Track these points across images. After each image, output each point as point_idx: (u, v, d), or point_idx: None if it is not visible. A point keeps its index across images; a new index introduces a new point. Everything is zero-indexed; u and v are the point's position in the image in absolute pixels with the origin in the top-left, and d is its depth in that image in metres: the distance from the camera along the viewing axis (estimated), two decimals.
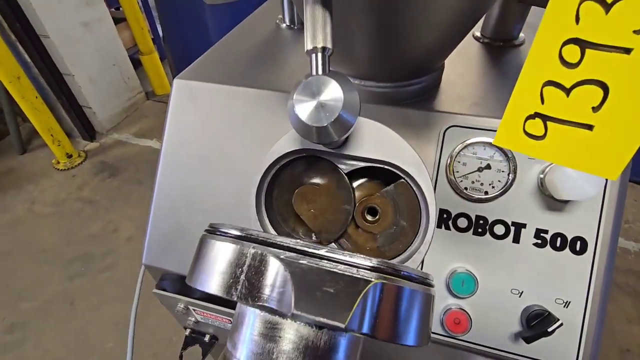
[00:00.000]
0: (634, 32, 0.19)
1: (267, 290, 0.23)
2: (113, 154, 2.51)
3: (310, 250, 0.24)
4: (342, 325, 0.21)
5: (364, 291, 0.22)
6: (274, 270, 0.23)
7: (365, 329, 0.22)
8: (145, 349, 1.50)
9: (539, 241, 0.45)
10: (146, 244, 0.58)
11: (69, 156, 2.43)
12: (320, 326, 0.24)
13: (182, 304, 0.58)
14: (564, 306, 0.44)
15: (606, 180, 0.43)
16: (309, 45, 0.31)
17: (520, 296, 0.46)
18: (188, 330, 0.67)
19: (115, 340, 1.56)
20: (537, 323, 0.43)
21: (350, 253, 0.24)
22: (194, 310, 0.60)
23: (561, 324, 0.41)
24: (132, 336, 0.63)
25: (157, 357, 1.49)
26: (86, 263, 1.86)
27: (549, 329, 0.41)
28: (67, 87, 2.40)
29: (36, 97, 2.17)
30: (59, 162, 2.42)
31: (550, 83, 0.22)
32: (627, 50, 0.20)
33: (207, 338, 0.66)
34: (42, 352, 1.54)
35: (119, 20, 2.67)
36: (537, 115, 0.23)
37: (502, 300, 0.46)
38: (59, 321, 1.64)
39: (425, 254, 0.42)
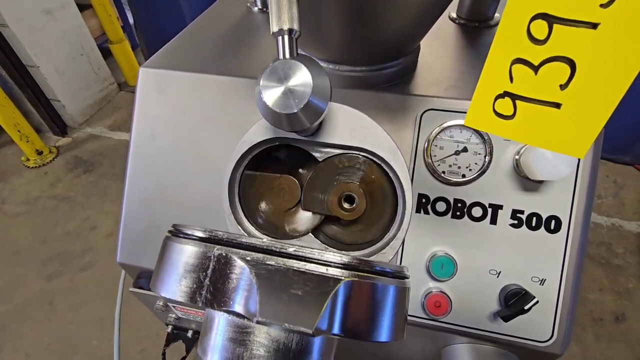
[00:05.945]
0: (601, 5, 0.19)
1: (232, 295, 0.22)
2: (87, 149, 2.41)
3: (277, 249, 0.22)
4: (310, 331, 0.20)
5: (333, 291, 0.21)
6: (239, 273, 0.22)
7: (335, 330, 0.21)
8: (132, 345, 1.48)
9: (515, 222, 0.46)
10: (119, 241, 0.56)
11: (39, 153, 2.32)
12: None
13: (160, 301, 0.57)
14: (540, 284, 0.45)
15: (578, 159, 0.43)
16: (274, 28, 0.30)
17: (498, 276, 0.46)
18: (170, 327, 0.66)
19: (99, 339, 1.53)
20: (515, 302, 0.43)
21: (320, 250, 0.23)
22: (174, 307, 0.58)
23: (537, 302, 0.42)
24: (118, 336, 0.62)
25: (144, 353, 1.48)
26: (64, 262, 1.80)
27: (526, 307, 0.42)
28: (32, 80, 2.27)
29: None
30: (28, 160, 2.31)
31: (518, 61, 0.21)
32: (594, 25, 0.19)
33: (189, 334, 0.65)
34: (23, 355, 1.50)
35: (84, 7, 2.52)
36: (506, 94, 0.22)
37: (481, 281, 0.47)
38: (39, 323, 1.59)
39: (402, 240, 0.42)
